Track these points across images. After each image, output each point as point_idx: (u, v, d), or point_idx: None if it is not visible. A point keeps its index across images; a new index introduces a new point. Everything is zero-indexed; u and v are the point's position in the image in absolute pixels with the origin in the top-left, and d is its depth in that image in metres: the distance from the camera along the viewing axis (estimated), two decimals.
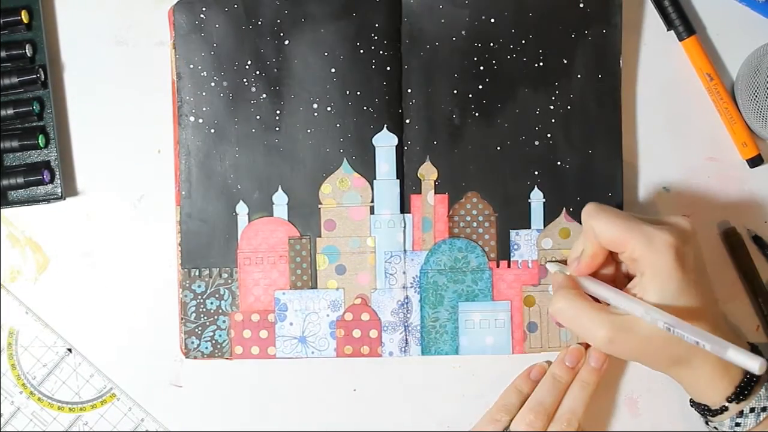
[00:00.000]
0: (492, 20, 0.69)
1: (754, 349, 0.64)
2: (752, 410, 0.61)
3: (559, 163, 0.69)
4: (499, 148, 0.69)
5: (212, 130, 0.69)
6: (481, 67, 0.69)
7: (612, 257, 0.65)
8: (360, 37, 0.69)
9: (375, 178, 0.69)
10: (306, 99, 0.69)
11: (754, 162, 0.70)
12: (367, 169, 0.69)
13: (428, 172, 0.69)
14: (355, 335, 0.69)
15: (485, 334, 0.70)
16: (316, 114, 0.69)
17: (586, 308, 0.62)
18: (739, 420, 0.62)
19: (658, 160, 0.70)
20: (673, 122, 0.70)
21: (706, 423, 0.65)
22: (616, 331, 0.61)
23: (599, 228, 0.62)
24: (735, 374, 0.61)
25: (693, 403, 0.65)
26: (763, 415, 0.61)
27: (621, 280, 0.66)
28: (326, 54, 0.69)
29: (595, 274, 0.65)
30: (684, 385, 0.64)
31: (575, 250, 0.66)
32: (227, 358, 0.70)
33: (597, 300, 0.64)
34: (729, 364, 0.58)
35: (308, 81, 0.69)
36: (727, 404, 0.62)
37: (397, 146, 0.69)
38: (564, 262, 0.68)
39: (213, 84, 0.69)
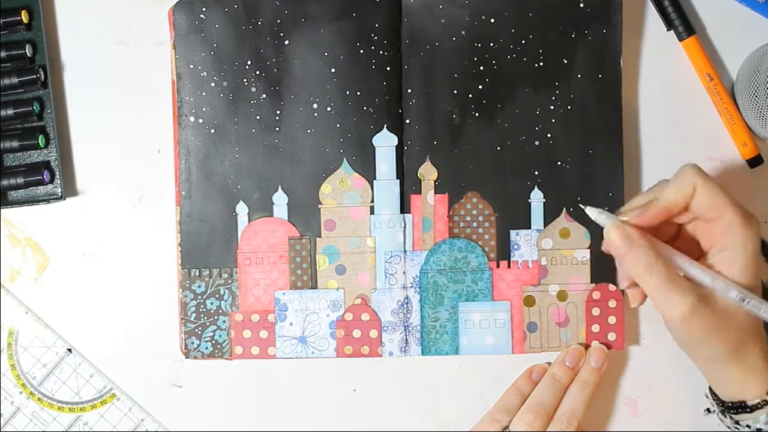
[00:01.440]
0: (492, 20, 0.69)
1: None
2: None
3: (559, 163, 0.69)
4: (499, 148, 0.69)
5: (212, 130, 0.69)
6: (481, 67, 0.69)
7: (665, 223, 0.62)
8: (360, 37, 0.69)
9: (375, 178, 0.69)
10: (306, 99, 0.69)
11: (754, 162, 0.70)
12: (367, 169, 0.69)
13: (428, 172, 0.69)
14: (355, 335, 0.69)
15: (485, 334, 0.70)
16: (316, 114, 0.69)
17: (674, 275, 0.59)
18: None
19: (658, 160, 0.70)
20: (673, 122, 0.71)
21: (737, 423, 0.64)
22: (700, 302, 0.58)
23: (703, 189, 0.59)
24: None
25: (722, 404, 0.64)
26: None
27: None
28: (326, 54, 0.69)
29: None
30: (730, 378, 0.62)
31: (641, 198, 0.62)
32: (227, 359, 0.70)
33: None
34: None
35: (308, 81, 0.69)
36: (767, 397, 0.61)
37: (397, 146, 0.69)
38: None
39: (213, 84, 0.69)
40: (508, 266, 0.70)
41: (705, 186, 0.59)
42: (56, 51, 0.70)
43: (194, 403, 0.71)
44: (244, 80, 0.69)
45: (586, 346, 0.69)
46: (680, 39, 0.70)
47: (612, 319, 0.69)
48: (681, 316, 0.58)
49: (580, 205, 0.65)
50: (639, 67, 0.70)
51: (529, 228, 0.70)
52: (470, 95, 0.69)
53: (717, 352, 0.61)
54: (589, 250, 0.69)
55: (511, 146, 0.69)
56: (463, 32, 0.69)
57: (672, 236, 0.63)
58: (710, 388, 0.66)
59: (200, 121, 0.69)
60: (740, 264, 0.60)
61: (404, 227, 0.69)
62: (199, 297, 0.69)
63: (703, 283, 0.59)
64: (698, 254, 0.62)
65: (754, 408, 0.62)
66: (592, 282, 0.69)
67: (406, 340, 0.69)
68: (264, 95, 0.69)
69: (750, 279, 0.60)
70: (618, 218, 0.60)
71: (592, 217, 0.61)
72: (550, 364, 0.69)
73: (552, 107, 0.69)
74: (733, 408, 0.63)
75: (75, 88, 0.70)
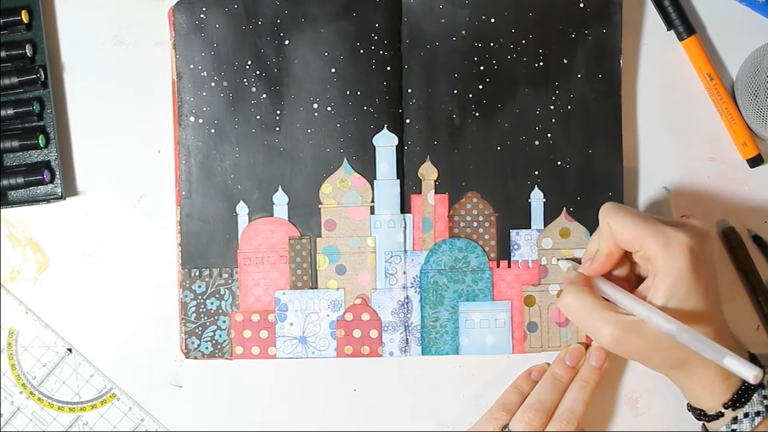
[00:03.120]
0: (492, 20, 0.69)
1: (753, 358, 0.65)
2: (746, 415, 0.62)
3: (559, 163, 0.69)
4: (499, 148, 0.69)
5: (212, 130, 0.69)
6: (481, 67, 0.69)
7: (627, 258, 0.65)
8: (360, 37, 0.69)
9: (375, 178, 0.69)
10: (306, 99, 0.69)
11: (754, 162, 0.70)
12: (367, 169, 0.69)
13: (428, 172, 0.69)
14: (356, 335, 0.69)
15: (485, 334, 0.70)
16: (316, 114, 0.69)
17: (595, 306, 0.62)
18: (734, 426, 0.62)
19: (658, 160, 0.70)
20: (673, 122, 0.71)
21: (703, 427, 0.65)
22: (622, 330, 0.61)
23: (616, 226, 0.62)
24: (733, 381, 0.62)
25: (690, 407, 0.65)
26: (757, 420, 0.62)
27: (633, 281, 0.66)
28: (326, 54, 0.69)
29: (608, 275, 0.65)
30: (682, 389, 0.64)
31: (590, 249, 0.66)
32: (227, 359, 0.70)
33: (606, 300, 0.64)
34: (728, 371, 0.59)
35: (308, 81, 0.69)
36: (723, 410, 0.62)
37: (397, 146, 0.69)
38: (575, 260, 0.69)
39: (213, 84, 0.69)
40: (509, 266, 0.70)
41: (616, 224, 0.62)
42: (56, 51, 0.70)
43: (194, 403, 0.71)
44: (244, 80, 0.69)
45: (587, 346, 0.69)
46: (680, 39, 0.70)
47: None
48: (606, 343, 0.62)
49: (554, 259, 0.69)
50: (639, 67, 0.70)
51: (529, 228, 0.70)
52: (470, 95, 0.69)
53: (658, 368, 0.64)
54: None
55: (511, 146, 0.69)
56: (463, 32, 0.69)
57: (627, 274, 0.66)
58: None
59: (200, 121, 0.69)
60: (666, 287, 0.61)
61: (404, 227, 0.69)
62: (200, 297, 0.69)
63: (642, 318, 0.61)
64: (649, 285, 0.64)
65: (712, 418, 0.63)
66: None
67: (407, 340, 0.69)
68: (264, 95, 0.69)
69: (680, 299, 0.61)
70: (571, 266, 0.67)
71: (562, 269, 0.69)
72: (549, 364, 0.69)
73: (552, 107, 0.69)
74: (697, 415, 0.64)
75: (75, 88, 0.70)
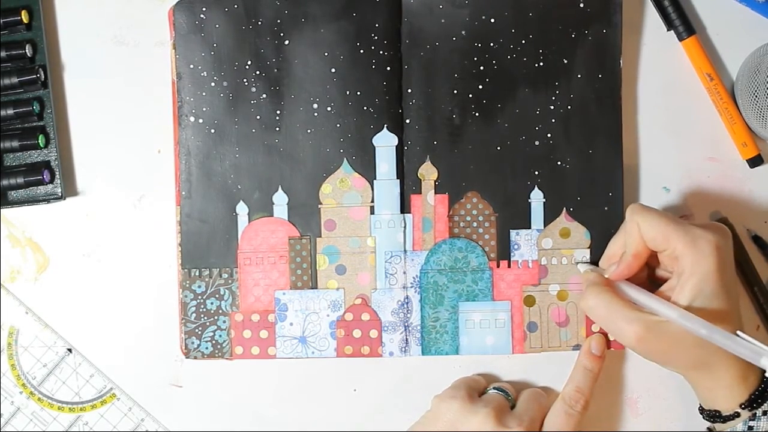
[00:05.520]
0: (492, 20, 0.69)
1: None
2: (765, 413, 0.61)
3: (559, 163, 0.69)
4: (499, 148, 0.69)
5: (212, 130, 0.69)
6: (481, 67, 0.69)
7: (645, 261, 0.65)
8: (360, 37, 0.69)
9: (375, 178, 0.69)
10: (306, 99, 0.69)
11: (754, 162, 0.70)
12: (367, 169, 0.69)
13: (428, 172, 0.69)
14: (356, 335, 0.69)
15: (485, 334, 0.70)
16: (316, 114, 0.69)
17: (618, 306, 0.62)
18: (751, 423, 0.62)
19: (658, 160, 0.71)
20: (673, 122, 0.71)
21: (708, 429, 0.65)
22: (646, 329, 0.61)
23: (644, 225, 0.62)
24: (752, 381, 0.62)
25: (702, 409, 0.65)
26: None
27: (647, 284, 0.66)
28: (326, 54, 0.69)
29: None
30: (700, 389, 0.64)
31: (610, 252, 0.66)
32: (227, 359, 0.70)
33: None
34: (748, 371, 0.60)
35: (308, 81, 0.69)
36: (739, 410, 0.62)
37: (397, 146, 0.69)
38: (593, 263, 0.68)
39: (213, 84, 0.69)
40: (509, 266, 0.70)
41: (645, 222, 0.63)
42: (56, 51, 0.70)
43: (194, 403, 0.71)
44: (244, 80, 0.69)
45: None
46: (680, 39, 0.70)
47: None
48: (630, 343, 0.62)
49: (574, 261, 0.69)
50: (639, 67, 0.70)
51: (529, 228, 0.70)
52: (470, 95, 0.69)
53: (678, 368, 0.64)
54: (589, 250, 0.69)
55: (511, 146, 0.69)
56: (463, 32, 0.69)
57: (645, 277, 0.66)
58: None
59: (200, 121, 0.69)
60: (693, 286, 0.61)
61: (404, 227, 0.69)
62: (200, 297, 0.69)
63: (668, 318, 0.61)
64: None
65: (727, 418, 0.63)
66: None
67: (407, 340, 0.69)
68: (264, 95, 0.69)
69: (706, 298, 0.61)
70: (589, 269, 0.67)
71: (581, 271, 0.68)
72: (551, 364, 0.69)
73: (552, 107, 0.69)
74: (710, 416, 0.64)
75: (75, 88, 0.70)
